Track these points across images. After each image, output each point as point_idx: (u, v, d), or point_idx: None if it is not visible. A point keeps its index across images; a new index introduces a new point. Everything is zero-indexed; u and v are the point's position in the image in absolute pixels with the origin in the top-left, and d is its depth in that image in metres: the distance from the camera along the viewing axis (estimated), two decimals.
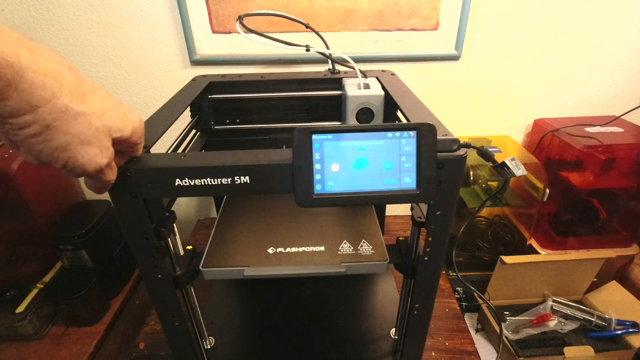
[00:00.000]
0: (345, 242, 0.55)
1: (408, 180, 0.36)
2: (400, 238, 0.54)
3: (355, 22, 0.84)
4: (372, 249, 0.53)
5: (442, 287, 0.80)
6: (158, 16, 0.83)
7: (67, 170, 0.28)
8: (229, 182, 0.36)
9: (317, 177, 0.36)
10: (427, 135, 0.35)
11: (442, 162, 0.36)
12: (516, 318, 0.87)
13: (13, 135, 0.26)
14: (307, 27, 0.69)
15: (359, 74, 0.62)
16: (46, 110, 0.25)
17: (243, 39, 0.76)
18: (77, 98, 0.27)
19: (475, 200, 0.96)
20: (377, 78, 0.65)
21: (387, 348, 0.60)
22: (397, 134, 0.35)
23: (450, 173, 0.37)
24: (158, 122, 0.46)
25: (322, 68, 0.72)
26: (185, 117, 0.59)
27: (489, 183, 0.95)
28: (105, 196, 0.38)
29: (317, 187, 0.36)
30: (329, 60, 0.68)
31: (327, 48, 0.67)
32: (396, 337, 0.61)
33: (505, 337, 0.83)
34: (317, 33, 0.71)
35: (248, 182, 0.36)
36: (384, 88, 0.61)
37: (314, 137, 0.35)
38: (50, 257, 0.84)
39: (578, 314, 0.86)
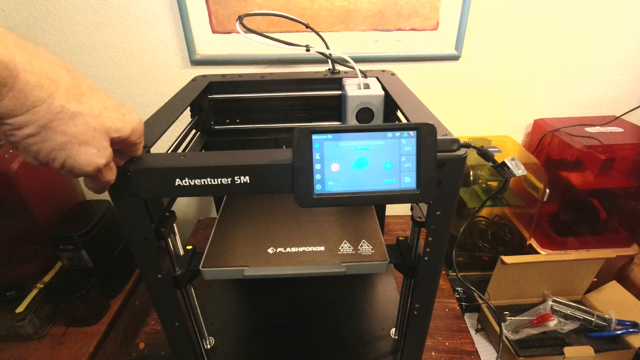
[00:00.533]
0: (345, 242, 0.55)
1: (408, 180, 0.36)
2: (400, 238, 0.54)
3: (355, 22, 0.84)
4: (372, 249, 0.53)
5: (442, 287, 0.80)
6: (158, 16, 0.83)
7: (65, 171, 0.28)
8: (229, 182, 0.36)
9: (317, 177, 0.36)
10: (427, 135, 0.35)
11: (442, 162, 0.36)
12: (516, 318, 0.87)
13: (10, 135, 0.26)
14: (307, 27, 0.69)
15: (359, 74, 0.62)
16: (42, 111, 0.25)
17: (243, 39, 0.75)
18: (73, 99, 0.27)
19: (475, 200, 0.96)
20: (377, 78, 0.65)
21: (387, 348, 0.60)
22: (397, 134, 0.35)
23: (450, 173, 0.37)
24: (158, 122, 0.46)
25: (322, 68, 0.72)
26: (185, 117, 0.59)
27: (489, 183, 0.95)
28: (105, 196, 0.38)
29: (317, 187, 0.36)
30: (329, 60, 0.68)
31: (327, 48, 0.67)
32: (396, 337, 0.61)
33: (505, 337, 0.83)
34: (317, 33, 0.71)
35: (248, 182, 0.36)
36: (384, 88, 0.61)
37: (314, 137, 0.35)
38: (50, 257, 0.84)
39: (578, 314, 0.86)
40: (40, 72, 0.25)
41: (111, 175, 0.32)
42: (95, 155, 0.29)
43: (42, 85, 0.25)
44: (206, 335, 0.60)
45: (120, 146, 0.32)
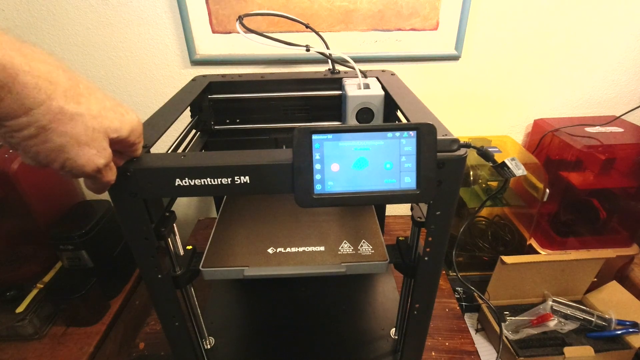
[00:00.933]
0: (345, 242, 0.55)
1: (408, 180, 0.36)
2: (400, 238, 0.54)
3: (355, 22, 0.84)
4: (372, 249, 0.53)
5: (442, 287, 0.80)
6: (158, 16, 0.83)
7: (65, 172, 0.28)
8: (229, 182, 0.36)
9: (317, 177, 0.36)
10: (427, 135, 0.35)
11: (442, 162, 0.36)
12: (516, 318, 0.87)
13: (10, 137, 0.26)
14: (307, 27, 0.69)
15: (359, 74, 0.62)
16: (40, 112, 0.25)
17: (243, 39, 0.76)
18: (72, 99, 0.27)
19: (475, 200, 0.96)
20: (377, 78, 0.65)
21: (387, 348, 0.60)
22: (397, 134, 0.35)
23: (450, 173, 0.37)
24: (158, 122, 0.46)
25: (322, 68, 0.72)
26: (185, 117, 0.59)
27: (489, 183, 0.95)
28: (105, 196, 0.38)
29: (317, 187, 0.36)
30: (329, 60, 0.68)
31: (327, 48, 0.67)
32: (396, 337, 0.61)
33: (505, 337, 0.83)
34: (317, 33, 0.71)
35: (248, 182, 0.36)
36: (384, 88, 0.61)
37: (314, 137, 0.35)
38: (50, 257, 0.84)
39: (578, 314, 0.86)
40: (38, 74, 0.25)
41: (111, 176, 0.32)
42: (94, 155, 0.29)
43: (40, 87, 0.25)
44: (206, 335, 0.60)
45: (119, 146, 0.32)
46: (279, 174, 0.36)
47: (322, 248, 0.54)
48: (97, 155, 0.29)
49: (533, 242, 0.96)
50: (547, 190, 0.87)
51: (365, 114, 0.61)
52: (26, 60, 0.24)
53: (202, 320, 0.56)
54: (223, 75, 0.68)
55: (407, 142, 0.35)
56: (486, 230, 1.03)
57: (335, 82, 0.67)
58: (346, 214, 0.61)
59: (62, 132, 0.26)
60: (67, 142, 0.27)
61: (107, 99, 0.30)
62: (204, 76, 0.68)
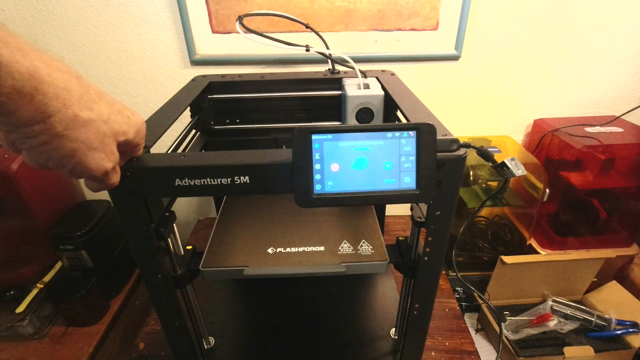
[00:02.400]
0: (345, 242, 0.55)
1: (408, 180, 0.36)
2: (400, 238, 0.54)
3: (355, 22, 0.84)
4: (372, 249, 0.53)
5: (442, 287, 0.80)
6: (158, 16, 0.83)
7: (73, 175, 0.29)
8: (229, 182, 0.36)
9: (317, 177, 0.36)
10: (426, 135, 0.35)
11: (441, 162, 0.36)
12: (516, 318, 0.87)
13: (21, 143, 0.26)
14: (307, 27, 0.69)
15: (359, 74, 0.62)
16: (57, 120, 0.25)
17: (243, 39, 0.76)
18: (85, 106, 0.27)
19: (475, 200, 0.96)
20: (377, 78, 0.65)
21: (387, 348, 0.60)
22: (397, 134, 0.35)
23: (450, 173, 0.37)
24: (158, 122, 0.46)
25: (322, 68, 0.72)
26: (185, 117, 0.59)
27: (489, 183, 0.95)
28: (105, 196, 0.38)
29: (317, 187, 0.36)
30: (329, 60, 0.68)
31: (327, 48, 0.67)
32: (396, 337, 0.61)
33: (505, 337, 0.83)
34: (317, 33, 0.71)
35: (248, 182, 0.36)
36: (383, 88, 0.61)
37: (314, 137, 0.35)
38: (50, 257, 0.84)
39: (578, 314, 0.86)
40: (57, 83, 0.25)
41: (116, 178, 0.32)
42: (103, 159, 0.29)
43: (58, 95, 0.25)
44: (206, 335, 0.60)
45: (123, 148, 0.33)
46: (278, 174, 0.36)
47: (322, 248, 0.54)
48: (106, 159, 0.29)
49: (533, 242, 0.96)
50: (547, 190, 0.87)
51: (365, 114, 0.61)
52: (48, 70, 0.24)
53: (202, 320, 0.56)
54: (223, 76, 0.68)
55: (407, 142, 0.35)
56: (486, 230, 1.03)
57: (335, 82, 0.67)
58: (346, 214, 0.61)
59: (74, 138, 0.27)
60: (78, 148, 0.27)
61: (115, 103, 0.30)
62: (204, 76, 0.68)
